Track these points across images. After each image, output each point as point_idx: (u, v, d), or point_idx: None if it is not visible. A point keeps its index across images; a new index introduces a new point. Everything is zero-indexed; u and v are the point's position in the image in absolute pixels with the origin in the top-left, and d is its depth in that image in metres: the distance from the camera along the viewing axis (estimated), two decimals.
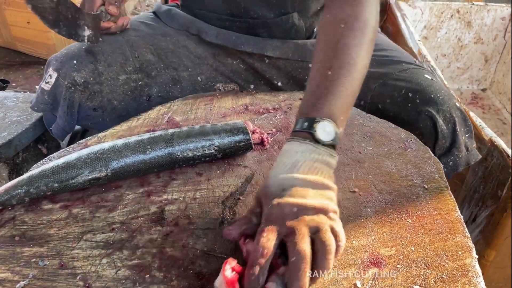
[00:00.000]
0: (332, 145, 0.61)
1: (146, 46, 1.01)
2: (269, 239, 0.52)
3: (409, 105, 0.93)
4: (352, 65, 0.65)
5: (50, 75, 0.96)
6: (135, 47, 0.99)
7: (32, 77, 2.01)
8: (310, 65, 0.88)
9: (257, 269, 0.51)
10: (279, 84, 1.06)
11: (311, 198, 0.55)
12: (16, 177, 1.13)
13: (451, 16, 2.05)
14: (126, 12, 2.40)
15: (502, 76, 2.12)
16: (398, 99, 0.95)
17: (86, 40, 0.93)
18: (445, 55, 2.15)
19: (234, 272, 0.52)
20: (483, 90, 2.22)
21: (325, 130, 0.60)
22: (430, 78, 0.96)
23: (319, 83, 0.65)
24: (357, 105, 0.99)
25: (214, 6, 1.02)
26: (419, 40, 1.56)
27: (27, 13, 1.97)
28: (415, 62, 1.02)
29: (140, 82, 1.00)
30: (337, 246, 0.54)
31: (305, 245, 0.52)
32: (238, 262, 0.54)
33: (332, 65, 0.65)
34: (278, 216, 0.54)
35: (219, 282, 0.52)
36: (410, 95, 0.93)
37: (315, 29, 1.06)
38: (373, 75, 0.98)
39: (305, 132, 0.61)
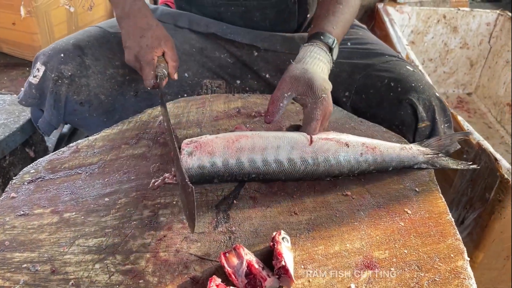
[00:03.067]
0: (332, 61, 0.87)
1: None
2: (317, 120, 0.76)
3: (391, 94, 0.96)
4: (352, 6, 0.93)
5: (37, 69, 0.95)
6: (123, 42, 0.99)
7: (17, 79, 1.97)
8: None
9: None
10: (267, 76, 1.07)
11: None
12: (2, 181, 1.11)
13: (438, 21, 2.08)
14: None
15: (487, 80, 2.16)
16: (381, 88, 0.97)
17: None
18: (431, 59, 2.18)
19: None
20: (469, 94, 2.26)
21: (336, 51, 0.87)
22: (411, 69, 0.99)
23: (333, 11, 0.90)
24: (343, 96, 1.02)
25: None
26: (407, 45, 1.57)
27: (12, 14, 1.94)
28: (398, 55, 1.05)
29: (128, 77, 1.00)
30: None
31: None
32: (222, 281, 0.54)
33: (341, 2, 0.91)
34: (326, 108, 0.77)
35: None
36: (392, 85, 0.96)
37: (307, 15, 1.07)
38: (357, 66, 1.00)
39: (328, 46, 0.85)
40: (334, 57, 0.87)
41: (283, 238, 0.60)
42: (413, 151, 0.78)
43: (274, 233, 0.61)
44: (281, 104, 0.76)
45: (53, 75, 0.94)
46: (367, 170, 0.75)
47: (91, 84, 0.96)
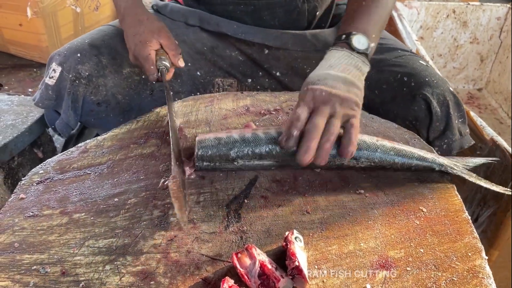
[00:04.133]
0: (365, 54, 0.75)
1: None
2: (303, 111, 0.67)
3: (405, 89, 0.94)
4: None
5: (53, 70, 0.94)
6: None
7: (24, 80, 1.98)
8: (310, 55, 1.04)
9: (294, 131, 0.66)
10: (278, 74, 1.05)
11: (339, 89, 0.68)
12: (11, 182, 1.11)
13: (447, 16, 2.05)
14: None
15: (498, 75, 2.13)
16: (394, 83, 0.96)
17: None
18: (441, 55, 2.16)
19: None
20: (479, 89, 2.23)
21: (360, 41, 0.75)
22: (424, 64, 0.97)
23: (356, 9, 0.81)
24: None
25: None
26: (416, 40, 1.55)
27: (19, 15, 1.94)
28: (411, 50, 1.04)
29: (143, 76, 0.99)
30: (350, 126, 0.68)
31: (319, 120, 0.66)
32: (235, 282, 0.53)
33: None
34: (309, 97, 0.68)
35: None
36: (406, 79, 0.94)
37: (317, 13, 1.05)
38: (370, 61, 0.98)
39: (343, 42, 0.75)
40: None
41: (296, 238, 0.59)
42: (436, 154, 0.77)
43: (286, 233, 0.60)
44: None
45: (70, 76, 0.93)
46: (388, 158, 0.73)
47: (108, 84, 0.95)
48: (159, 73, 0.88)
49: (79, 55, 0.93)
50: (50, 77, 0.95)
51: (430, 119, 0.92)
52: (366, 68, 0.75)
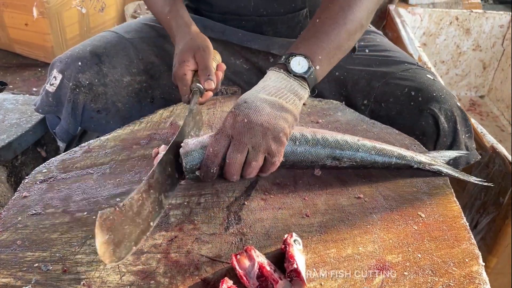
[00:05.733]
0: (304, 78, 0.71)
1: (149, 48, 1.01)
2: (220, 143, 0.65)
3: (412, 103, 0.94)
4: (340, 16, 0.75)
5: (54, 77, 0.95)
6: (139, 49, 0.99)
7: (29, 79, 1.99)
8: None
9: (212, 169, 0.67)
10: None
11: (264, 115, 0.65)
12: (14, 181, 1.12)
13: (450, 23, 2.06)
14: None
15: (500, 83, 2.14)
16: (401, 97, 0.95)
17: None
18: (443, 61, 2.16)
19: None
20: (481, 97, 2.24)
21: (299, 63, 0.71)
22: (432, 78, 0.97)
23: (307, 30, 0.77)
24: (361, 104, 1.00)
25: (221, 5, 1.01)
26: (419, 47, 1.56)
27: (25, 15, 1.96)
28: (417, 63, 1.03)
29: (144, 84, 1.00)
30: (269, 163, 0.67)
31: (237, 155, 0.65)
32: (234, 283, 0.54)
33: (321, 15, 0.76)
34: (228, 124, 0.65)
35: None
36: (413, 94, 0.94)
37: None
38: (376, 74, 0.99)
39: (282, 64, 0.72)
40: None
41: (294, 241, 0.59)
42: (415, 152, 0.79)
43: (285, 236, 0.60)
44: None
45: (70, 84, 0.93)
46: (369, 158, 0.75)
47: (108, 92, 0.96)
48: (192, 95, 0.83)
49: (80, 63, 0.94)
50: (51, 84, 0.96)
51: (438, 134, 0.91)
52: (305, 93, 0.71)
